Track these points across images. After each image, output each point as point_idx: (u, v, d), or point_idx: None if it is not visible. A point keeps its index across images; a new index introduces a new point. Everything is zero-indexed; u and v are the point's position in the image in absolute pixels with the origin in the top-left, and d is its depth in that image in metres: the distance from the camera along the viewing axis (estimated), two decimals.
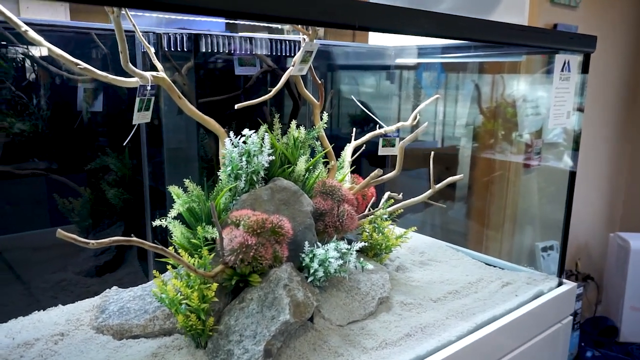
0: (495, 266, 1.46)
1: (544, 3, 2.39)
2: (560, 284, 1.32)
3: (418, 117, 1.40)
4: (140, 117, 1.00)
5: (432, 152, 1.27)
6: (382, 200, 1.32)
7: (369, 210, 1.29)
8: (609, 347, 2.97)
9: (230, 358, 0.91)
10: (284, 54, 1.36)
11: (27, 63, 1.24)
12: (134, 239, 0.85)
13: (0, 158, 1.29)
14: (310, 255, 1.06)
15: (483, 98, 2.37)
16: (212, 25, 1.65)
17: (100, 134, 1.41)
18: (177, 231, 1.03)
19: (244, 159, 1.06)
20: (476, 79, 2.37)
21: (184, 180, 1.05)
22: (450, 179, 1.26)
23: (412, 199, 1.28)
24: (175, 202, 1.04)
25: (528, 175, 2.70)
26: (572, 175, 1.29)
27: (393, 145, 1.42)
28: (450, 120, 2.37)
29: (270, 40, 1.30)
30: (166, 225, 1.02)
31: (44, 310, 1.11)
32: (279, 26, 1.60)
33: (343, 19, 0.83)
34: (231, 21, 1.66)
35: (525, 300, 1.21)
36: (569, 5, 2.51)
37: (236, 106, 1.06)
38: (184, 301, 0.92)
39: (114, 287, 1.14)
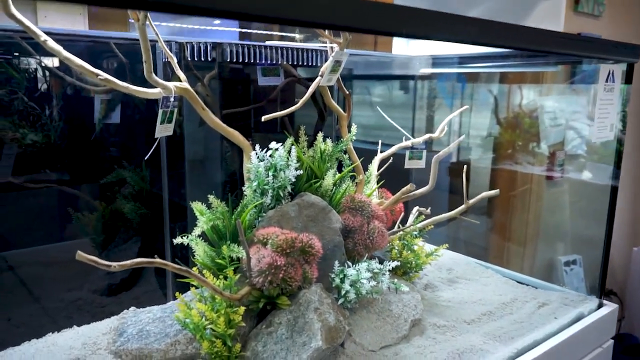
0: (527, 284, 1.39)
1: (567, 11, 2.34)
2: (600, 305, 1.25)
3: (445, 128, 1.34)
4: (163, 130, 0.95)
5: (465, 166, 1.21)
6: (411, 216, 1.26)
7: (398, 226, 1.23)
8: None
9: None
10: (305, 64, 1.31)
11: (40, 73, 1.20)
12: (157, 260, 0.80)
13: (14, 170, 1.24)
14: (341, 276, 1.00)
15: (503, 109, 2.31)
16: (225, 35, 1.61)
17: (116, 145, 1.37)
18: (200, 250, 0.97)
19: (270, 173, 1.01)
20: (497, 89, 2.32)
21: (206, 196, 1.00)
22: (484, 194, 1.19)
23: (444, 215, 1.22)
24: (197, 219, 0.98)
25: (551, 188, 2.63)
26: (614, 190, 1.22)
27: (420, 158, 1.36)
28: (472, 131, 2.31)
29: (295, 49, 1.25)
30: (187, 243, 0.97)
31: (58, 332, 1.05)
32: (291, 34, 1.56)
33: (381, 25, 0.77)
34: (244, 30, 1.62)
35: (565, 323, 1.14)
36: (592, 15, 2.45)
37: (263, 118, 1.00)
38: (209, 326, 0.86)
39: (132, 308, 1.08)
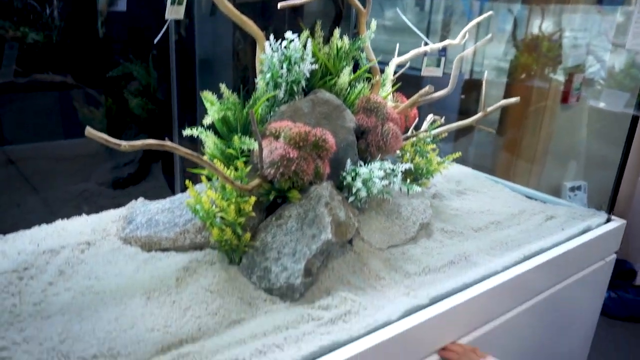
0: (535, 199, 1.39)
1: None
2: (608, 220, 1.25)
3: (467, 35, 1.27)
4: (173, 12, 0.90)
5: (486, 73, 1.16)
6: (426, 122, 1.23)
7: (412, 132, 1.20)
8: (625, 289, 2.95)
9: (267, 275, 0.85)
10: None
11: None
12: (168, 142, 0.78)
13: (21, 66, 1.20)
14: (353, 174, 0.98)
15: (521, 30, 2.21)
16: None
17: (121, 38, 1.31)
18: (210, 141, 0.95)
19: (284, 66, 0.96)
20: (516, 10, 2.20)
21: (218, 85, 0.96)
22: (503, 102, 1.15)
23: (460, 122, 1.19)
24: (207, 111, 0.95)
25: (565, 111, 2.57)
26: (635, 119, 1.18)
27: (438, 65, 1.30)
28: (488, 53, 2.22)
29: None
30: (197, 137, 0.94)
31: (67, 219, 1.05)
32: None
33: None
34: None
35: (573, 234, 1.14)
36: None
37: (280, 5, 0.94)
38: (220, 214, 0.86)
39: (140, 198, 1.08)
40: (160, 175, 1.29)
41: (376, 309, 0.83)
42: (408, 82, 1.25)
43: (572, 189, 2.77)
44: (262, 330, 0.76)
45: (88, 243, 0.96)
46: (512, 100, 1.15)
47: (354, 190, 0.97)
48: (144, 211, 1.02)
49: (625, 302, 2.74)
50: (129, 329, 0.74)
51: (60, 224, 1.03)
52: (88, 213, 1.08)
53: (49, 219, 1.03)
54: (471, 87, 2.14)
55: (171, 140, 0.77)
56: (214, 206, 0.86)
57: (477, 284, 0.92)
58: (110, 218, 1.04)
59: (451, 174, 1.51)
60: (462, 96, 2.10)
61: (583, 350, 1.40)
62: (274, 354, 0.71)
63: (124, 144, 0.73)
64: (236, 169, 0.89)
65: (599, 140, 2.79)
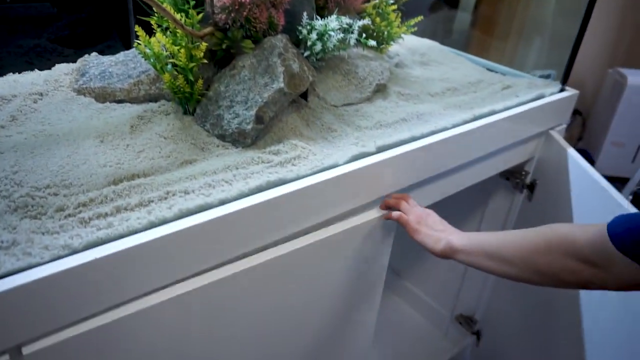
0: (496, 72, 1.40)
1: None
2: (562, 90, 1.28)
3: None
4: None
5: None
6: None
7: None
8: None
9: (220, 122, 0.87)
10: None
11: None
12: None
13: None
14: (308, 28, 0.97)
15: None
16: None
17: None
18: None
19: None
20: None
21: None
22: None
23: None
24: None
25: None
26: None
27: None
28: None
29: None
30: None
31: (19, 73, 1.03)
32: None
33: None
34: None
35: (525, 100, 1.18)
36: None
37: None
38: (170, 60, 0.85)
39: (94, 53, 1.06)
40: (115, 35, 1.25)
41: (325, 155, 0.86)
42: None
43: (541, 77, 2.78)
44: (213, 169, 0.79)
45: (41, 94, 0.96)
46: None
47: (309, 43, 0.96)
48: (97, 64, 1.01)
49: None
50: (82, 164, 0.76)
51: (11, 77, 1.01)
52: (41, 69, 1.06)
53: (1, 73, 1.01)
54: None
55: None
56: (164, 51, 0.85)
57: (424, 138, 0.95)
58: (63, 70, 1.02)
59: (417, 46, 1.51)
60: None
61: None
62: (222, 187, 0.74)
63: None
64: (187, 16, 0.87)
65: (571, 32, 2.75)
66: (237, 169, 0.80)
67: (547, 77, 2.80)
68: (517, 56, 1.70)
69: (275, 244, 0.79)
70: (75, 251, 0.60)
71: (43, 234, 0.62)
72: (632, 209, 1.12)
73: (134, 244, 0.62)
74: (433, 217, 0.91)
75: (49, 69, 1.05)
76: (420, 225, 0.89)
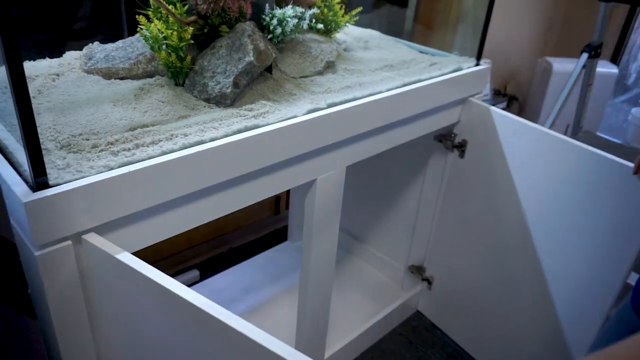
0: (427, 53, 1.70)
1: None
2: (477, 64, 1.59)
3: None
4: None
5: None
6: None
7: None
8: None
9: (205, 89, 1.13)
10: None
11: None
12: None
13: None
14: (271, 16, 1.24)
15: None
16: None
17: None
18: None
19: None
20: None
21: None
22: None
23: None
24: None
25: None
26: None
27: None
28: None
29: None
30: None
31: (33, 60, 1.26)
32: None
33: None
34: None
35: (446, 72, 1.47)
36: None
37: None
38: (165, 41, 1.10)
39: (96, 42, 1.30)
40: (108, 32, 1.49)
41: (287, 110, 1.13)
42: None
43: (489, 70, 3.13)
44: (203, 120, 1.05)
45: (57, 74, 1.19)
46: None
47: (271, 28, 1.23)
48: (101, 50, 1.25)
49: None
50: (103, 119, 1.01)
51: (29, 63, 1.24)
52: (51, 58, 1.29)
53: None
54: None
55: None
56: (160, 34, 1.10)
57: (364, 98, 1.23)
58: (73, 56, 1.26)
59: (362, 36, 1.79)
60: None
61: None
62: (211, 131, 1.00)
63: None
64: (176, 7, 1.12)
65: (502, 21, 3.11)
66: (221, 120, 1.06)
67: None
68: (446, 41, 2.01)
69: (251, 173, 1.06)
70: (111, 169, 0.85)
71: (87, 160, 0.87)
72: (556, 134, 1.39)
73: (151, 164, 0.87)
74: None
75: (59, 57, 1.29)
76: None
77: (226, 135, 1.00)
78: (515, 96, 3.55)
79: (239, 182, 1.06)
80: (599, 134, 3.50)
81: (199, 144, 0.96)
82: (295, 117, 1.11)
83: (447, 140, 1.68)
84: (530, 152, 1.47)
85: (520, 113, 3.62)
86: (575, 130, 2.82)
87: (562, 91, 2.54)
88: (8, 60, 0.69)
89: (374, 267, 2.18)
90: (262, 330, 0.66)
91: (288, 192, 2.48)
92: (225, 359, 0.72)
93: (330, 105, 1.17)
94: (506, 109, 3.39)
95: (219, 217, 1.06)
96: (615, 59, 3.51)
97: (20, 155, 0.85)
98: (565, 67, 3.17)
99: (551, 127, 2.60)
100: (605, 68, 3.22)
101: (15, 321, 0.67)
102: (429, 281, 1.97)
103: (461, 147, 1.67)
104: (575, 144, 1.38)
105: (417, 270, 1.98)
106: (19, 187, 0.78)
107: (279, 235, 2.40)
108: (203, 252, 2.24)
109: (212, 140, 0.98)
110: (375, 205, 2.07)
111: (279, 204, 2.52)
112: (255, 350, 0.64)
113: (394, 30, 2.18)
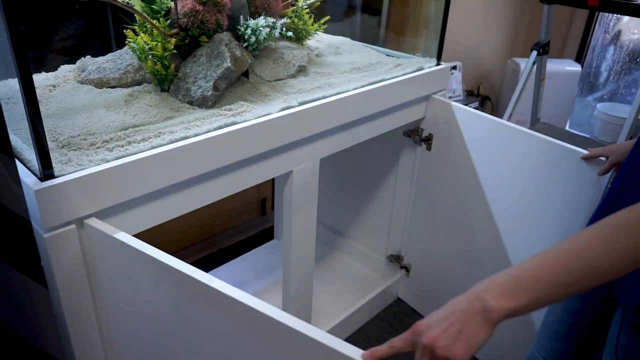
0: (393, 56, 1.84)
1: None
2: (438, 64, 1.74)
3: None
4: None
5: None
6: None
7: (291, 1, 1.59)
8: None
9: (188, 92, 1.26)
10: None
11: None
12: None
13: None
14: (245, 26, 1.38)
15: None
16: None
17: None
18: (137, 5, 1.30)
19: None
20: None
21: None
22: None
23: None
24: None
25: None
26: None
27: None
28: None
29: None
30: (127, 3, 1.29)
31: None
32: None
33: None
34: None
35: (409, 72, 1.62)
36: None
37: None
38: (151, 52, 1.24)
39: (88, 56, 1.43)
40: (97, 47, 1.62)
41: (262, 109, 1.26)
42: None
43: (449, 69, 3.29)
44: (187, 120, 1.18)
45: (53, 86, 1.32)
46: None
47: (246, 37, 1.37)
48: (93, 62, 1.38)
49: None
50: (98, 122, 1.14)
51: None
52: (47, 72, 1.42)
53: None
54: None
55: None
56: (146, 46, 1.23)
57: (332, 96, 1.37)
58: (67, 69, 1.39)
59: (334, 42, 1.94)
60: None
61: None
62: (195, 128, 1.13)
63: None
64: (159, 22, 1.26)
65: (469, 24, 3.29)
66: (204, 119, 1.19)
67: (455, 68, 3.30)
68: (411, 45, 2.16)
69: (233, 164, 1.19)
70: (107, 161, 0.98)
71: (86, 155, 1.00)
72: (515, 125, 1.54)
73: (142, 157, 1.00)
74: (434, 329, 0.65)
75: (55, 70, 1.42)
76: (452, 353, 0.63)
77: (208, 131, 1.13)
78: (488, 96, 3.72)
79: (223, 172, 1.19)
80: (568, 129, 3.68)
81: (184, 139, 1.09)
82: (269, 114, 1.24)
83: (415, 135, 1.82)
84: (490, 142, 1.62)
85: (493, 112, 3.79)
86: (533, 122, 3.00)
87: (516, 86, 2.73)
88: (21, 75, 0.82)
89: (355, 260, 2.31)
90: (252, 296, 0.77)
91: (273, 193, 2.61)
92: (215, 325, 0.84)
93: (301, 103, 1.31)
94: (479, 108, 3.56)
95: (206, 204, 1.19)
96: (579, 58, 3.70)
97: (28, 153, 0.98)
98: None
99: (510, 119, 2.77)
100: (569, 66, 3.40)
101: (32, 289, 0.79)
102: (407, 269, 2.10)
103: (428, 141, 1.82)
104: (528, 132, 1.52)
105: (396, 259, 2.11)
106: (29, 179, 0.90)
107: (266, 235, 2.52)
108: (193, 254, 2.35)
109: (195, 135, 1.11)
110: (354, 201, 2.21)
111: (265, 205, 2.65)
112: (248, 314, 0.76)
113: (364, 36, 2.34)
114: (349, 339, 1.96)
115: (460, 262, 1.85)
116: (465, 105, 1.72)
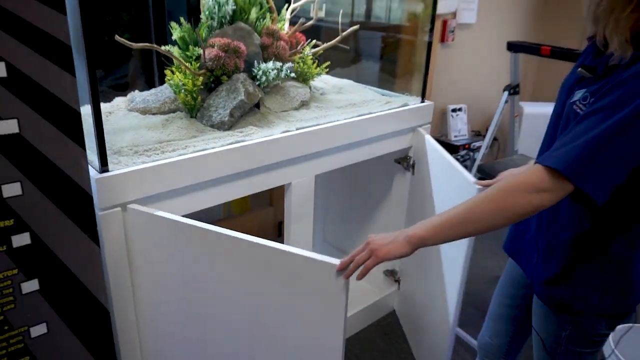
0: (386, 95, 2.18)
1: None
2: (422, 101, 2.06)
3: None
4: None
5: (340, 19, 1.92)
6: (307, 47, 1.99)
7: (299, 49, 1.96)
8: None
9: (210, 119, 1.62)
10: None
11: None
12: (156, 46, 1.52)
13: None
14: (258, 68, 1.75)
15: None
16: None
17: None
18: (175, 51, 1.69)
19: (216, 7, 1.71)
20: None
21: (180, 18, 1.70)
22: (352, 29, 1.93)
23: (328, 43, 1.96)
24: (172, 34, 1.69)
25: (443, 48, 3.37)
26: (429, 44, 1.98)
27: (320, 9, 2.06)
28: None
29: None
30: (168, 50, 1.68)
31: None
32: None
33: None
34: None
35: (395, 107, 1.95)
36: None
37: None
38: (184, 86, 1.62)
39: (136, 91, 1.82)
40: (144, 83, 2.02)
41: (268, 132, 1.61)
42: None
43: (454, 110, 3.62)
44: (207, 138, 1.54)
45: (110, 112, 1.71)
46: (352, 28, 1.93)
47: (258, 77, 1.74)
48: (139, 95, 1.77)
49: None
50: (141, 138, 1.50)
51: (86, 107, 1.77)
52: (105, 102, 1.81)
53: None
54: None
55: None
56: (180, 82, 1.61)
57: (325, 124, 1.71)
58: (121, 100, 1.79)
59: (338, 84, 2.30)
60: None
61: None
62: (212, 143, 1.49)
63: (135, 45, 1.47)
64: (191, 64, 1.64)
65: (475, 71, 3.62)
66: (220, 138, 1.55)
67: (460, 109, 3.61)
68: (403, 86, 2.50)
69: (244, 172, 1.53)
70: (146, 163, 1.34)
71: (131, 159, 1.36)
72: (464, 172, 1.84)
73: (172, 161, 1.36)
74: (376, 239, 1.03)
75: (110, 102, 1.81)
76: (378, 252, 1.01)
77: (222, 146, 1.48)
78: (496, 137, 3.99)
79: (235, 178, 1.53)
80: None
81: (203, 150, 1.44)
82: (272, 135, 1.59)
83: (404, 161, 2.13)
84: (441, 170, 1.90)
85: (499, 150, 4.06)
86: (511, 152, 3.32)
87: (491, 122, 3.11)
88: (93, 103, 1.20)
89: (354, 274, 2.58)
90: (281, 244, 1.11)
91: None
92: (231, 268, 1.16)
93: (298, 128, 1.65)
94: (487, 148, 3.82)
95: (221, 202, 1.52)
96: None
97: (92, 156, 1.35)
98: (535, 110, 3.63)
99: (490, 149, 3.07)
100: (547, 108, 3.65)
101: (92, 249, 1.13)
102: (398, 282, 2.36)
103: (413, 167, 2.12)
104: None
105: (391, 274, 2.38)
106: (92, 172, 1.26)
107: None
108: None
109: (212, 148, 1.46)
110: (354, 221, 2.51)
111: (281, 228, 2.97)
112: (280, 257, 1.10)
113: (366, 79, 2.69)
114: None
115: (435, 274, 2.10)
116: (469, 144, 2.02)
